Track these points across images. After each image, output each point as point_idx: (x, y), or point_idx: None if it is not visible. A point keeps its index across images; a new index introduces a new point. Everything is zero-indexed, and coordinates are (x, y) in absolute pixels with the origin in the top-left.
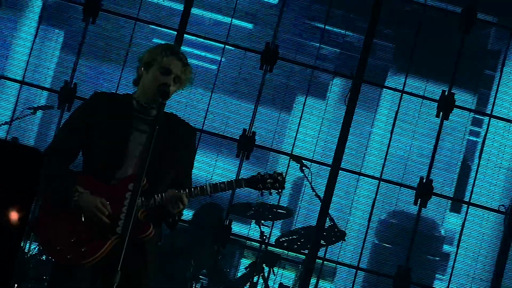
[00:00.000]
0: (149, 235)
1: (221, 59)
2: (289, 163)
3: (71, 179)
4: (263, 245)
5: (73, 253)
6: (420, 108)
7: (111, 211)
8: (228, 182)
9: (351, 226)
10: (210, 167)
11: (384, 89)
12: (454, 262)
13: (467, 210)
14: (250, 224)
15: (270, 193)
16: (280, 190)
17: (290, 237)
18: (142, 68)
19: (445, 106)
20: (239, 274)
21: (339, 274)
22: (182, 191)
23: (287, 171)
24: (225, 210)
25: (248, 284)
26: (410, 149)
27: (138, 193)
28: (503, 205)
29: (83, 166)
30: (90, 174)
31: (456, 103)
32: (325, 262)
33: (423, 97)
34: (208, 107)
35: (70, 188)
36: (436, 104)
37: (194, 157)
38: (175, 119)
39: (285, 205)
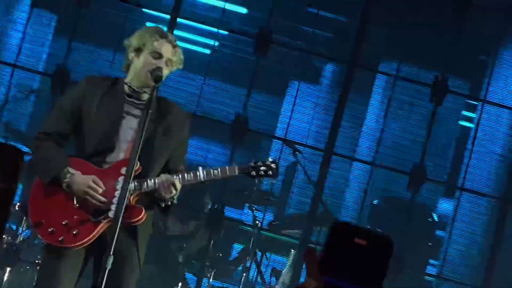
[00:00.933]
0: (141, 220)
1: (214, 43)
2: (282, 148)
3: (62, 161)
4: (255, 230)
5: (65, 235)
6: (414, 94)
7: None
8: (221, 169)
9: (344, 211)
10: (203, 152)
11: (378, 74)
12: (447, 248)
13: (460, 195)
14: (243, 209)
15: (261, 181)
16: (273, 178)
17: (283, 222)
18: (132, 54)
19: (439, 91)
20: (231, 259)
21: None
22: (175, 176)
23: (279, 156)
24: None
25: (241, 268)
26: (403, 134)
27: (131, 177)
28: None
29: (75, 150)
30: (82, 158)
31: (450, 89)
32: (318, 247)
33: (417, 82)
34: (201, 92)
35: (61, 169)
36: (429, 89)
37: (188, 142)
38: (166, 103)
39: (279, 190)
